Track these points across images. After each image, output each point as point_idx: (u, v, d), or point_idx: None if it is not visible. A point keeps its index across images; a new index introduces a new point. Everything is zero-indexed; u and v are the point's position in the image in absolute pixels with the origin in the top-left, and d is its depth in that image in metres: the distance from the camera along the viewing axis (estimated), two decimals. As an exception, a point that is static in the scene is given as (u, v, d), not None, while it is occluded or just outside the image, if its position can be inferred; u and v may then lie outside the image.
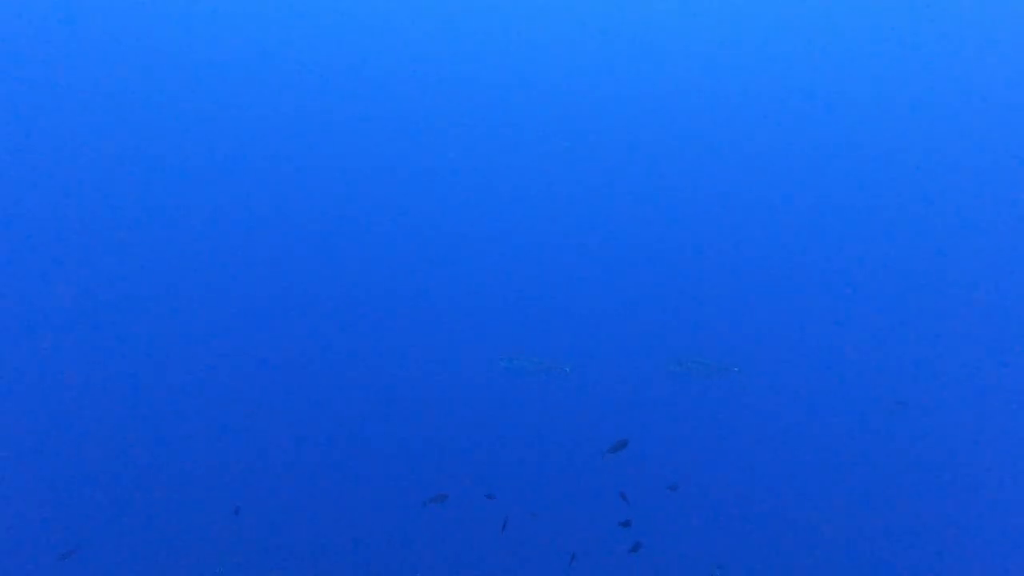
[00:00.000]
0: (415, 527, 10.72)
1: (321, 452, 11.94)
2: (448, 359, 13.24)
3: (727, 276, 15.13)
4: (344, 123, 17.15)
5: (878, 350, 13.60)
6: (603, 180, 16.96)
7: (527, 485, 11.02)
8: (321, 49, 18.13)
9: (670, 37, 18.77)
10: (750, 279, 15.11)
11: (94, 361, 12.71)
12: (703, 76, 18.23)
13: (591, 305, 14.59)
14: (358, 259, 15.25)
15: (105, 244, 14.40)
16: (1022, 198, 15.80)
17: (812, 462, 12.09)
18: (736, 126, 17.66)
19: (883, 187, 16.76)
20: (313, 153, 16.56)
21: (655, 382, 12.36)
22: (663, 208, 16.60)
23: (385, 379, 12.99)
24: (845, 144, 17.48)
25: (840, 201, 16.66)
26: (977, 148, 16.84)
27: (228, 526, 10.29)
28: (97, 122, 15.92)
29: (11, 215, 14.41)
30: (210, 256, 14.82)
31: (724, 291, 14.78)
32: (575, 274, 15.42)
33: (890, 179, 16.85)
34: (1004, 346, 13.58)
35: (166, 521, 10.55)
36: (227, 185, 15.82)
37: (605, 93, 18.04)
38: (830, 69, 18.31)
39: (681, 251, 15.74)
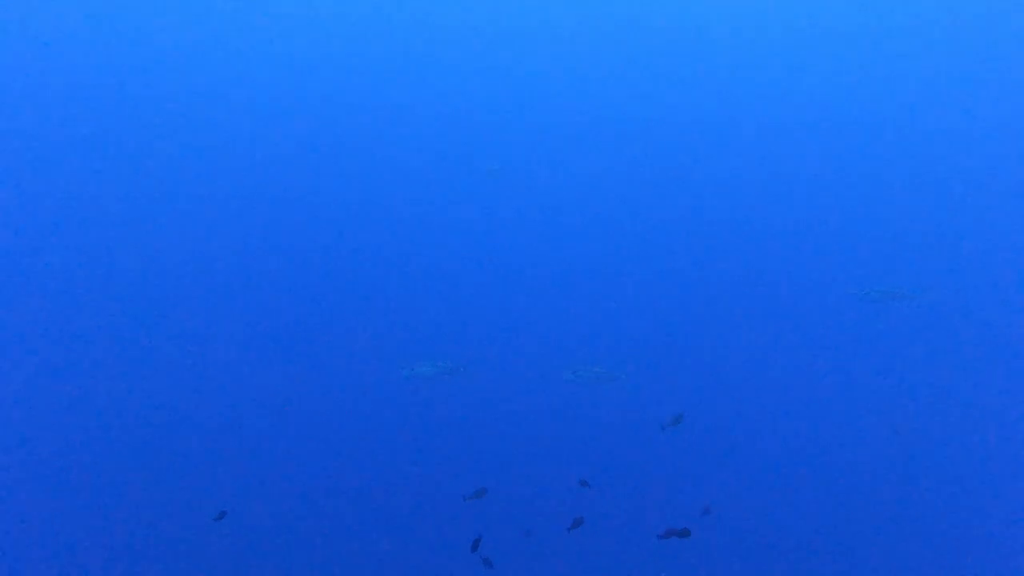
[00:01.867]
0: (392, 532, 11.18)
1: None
2: (349, 366, 13.71)
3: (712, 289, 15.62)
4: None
5: (873, 373, 13.85)
6: (506, 192, 17.63)
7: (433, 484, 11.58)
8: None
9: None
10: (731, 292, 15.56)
11: (78, 359, 13.08)
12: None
13: (492, 313, 15.22)
14: (307, 261, 15.98)
15: (86, 246, 14.87)
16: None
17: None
18: (640, 136, 18.46)
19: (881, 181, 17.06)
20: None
21: (550, 388, 12.93)
22: (578, 219, 17.28)
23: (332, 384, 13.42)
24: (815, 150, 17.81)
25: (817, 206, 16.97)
26: (973, 172, 16.90)
27: (211, 532, 10.31)
28: (94, 124, 16.47)
29: (11, 215, 14.99)
30: (198, 255, 15.32)
31: (685, 308, 15.30)
32: (476, 283, 16.00)
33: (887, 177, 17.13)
34: (1002, 370, 13.69)
35: (147, 525, 10.50)
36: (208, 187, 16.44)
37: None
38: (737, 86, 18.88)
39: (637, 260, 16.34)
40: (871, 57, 18.47)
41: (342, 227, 16.74)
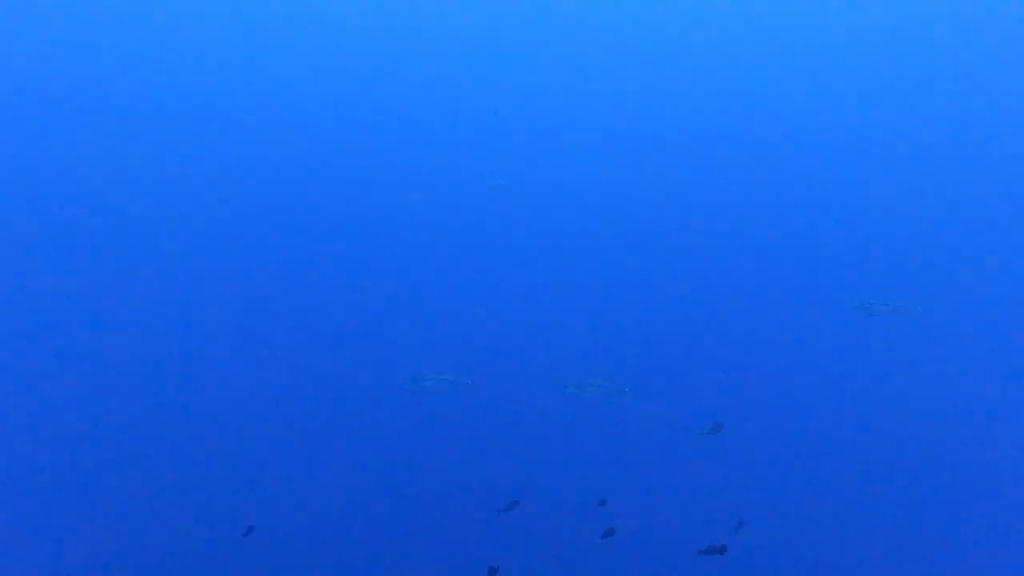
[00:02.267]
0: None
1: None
2: (349, 380, 13.65)
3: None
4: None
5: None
6: (510, 207, 17.71)
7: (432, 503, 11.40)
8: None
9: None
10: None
11: (99, 366, 13.18)
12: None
13: (495, 326, 15.16)
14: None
15: (109, 252, 15.18)
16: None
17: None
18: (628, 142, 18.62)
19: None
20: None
21: (554, 402, 12.82)
22: (573, 232, 17.32)
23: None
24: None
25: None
26: (979, 187, 17.20)
27: (237, 548, 10.19)
28: (91, 125, 16.67)
29: (12, 216, 15.12)
30: (220, 257, 15.56)
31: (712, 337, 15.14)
32: (479, 296, 15.99)
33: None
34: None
35: (170, 541, 10.40)
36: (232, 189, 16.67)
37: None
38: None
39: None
40: (878, 75, 18.75)
41: (347, 242, 16.82)
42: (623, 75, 20.09)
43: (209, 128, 17.91)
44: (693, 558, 10.59)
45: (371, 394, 13.26)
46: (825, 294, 15.39)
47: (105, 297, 14.63)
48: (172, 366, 13.51)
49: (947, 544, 11.20)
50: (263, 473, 11.79)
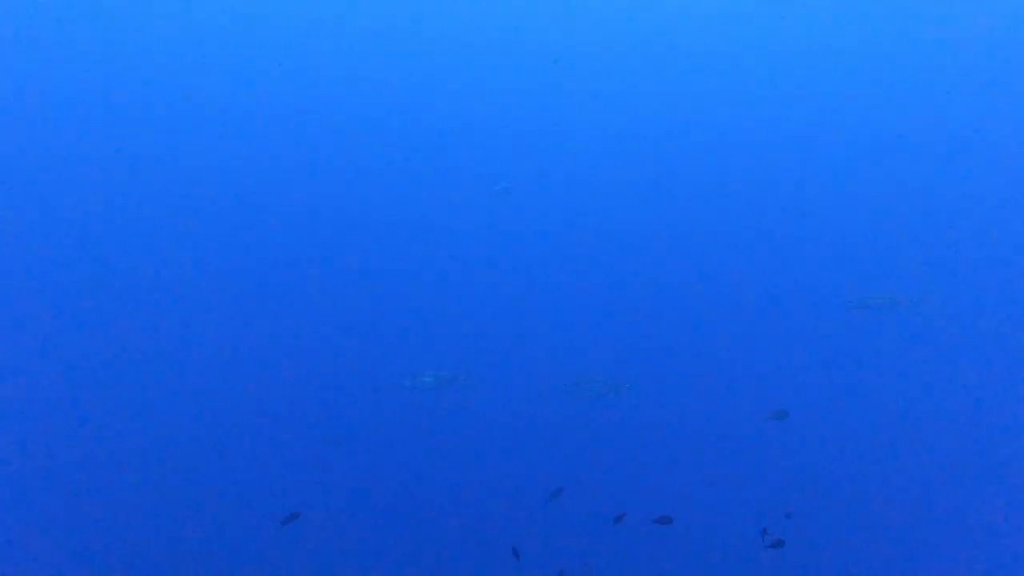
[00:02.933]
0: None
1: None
2: (347, 377, 13.62)
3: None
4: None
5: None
6: (508, 206, 17.73)
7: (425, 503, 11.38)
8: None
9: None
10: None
11: (91, 375, 13.21)
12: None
13: (493, 323, 15.17)
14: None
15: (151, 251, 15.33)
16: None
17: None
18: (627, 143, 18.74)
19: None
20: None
21: (555, 400, 12.76)
22: (568, 230, 17.32)
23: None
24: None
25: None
26: (973, 180, 17.15)
27: (277, 537, 10.18)
28: (92, 126, 16.75)
29: (14, 217, 15.20)
30: (219, 257, 15.63)
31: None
32: (478, 295, 15.97)
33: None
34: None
35: (208, 531, 10.43)
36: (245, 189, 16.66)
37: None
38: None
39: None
40: (871, 66, 18.80)
41: (346, 241, 16.81)
42: (615, 78, 20.13)
43: (207, 127, 17.96)
44: (713, 553, 10.52)
45: (369, 391, 13.24)
46: (836, 289, 15.28)
47: (99, 302, 14.70)
48: (164, 367, 13.52)
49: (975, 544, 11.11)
50: (260, 471, 11.76)
